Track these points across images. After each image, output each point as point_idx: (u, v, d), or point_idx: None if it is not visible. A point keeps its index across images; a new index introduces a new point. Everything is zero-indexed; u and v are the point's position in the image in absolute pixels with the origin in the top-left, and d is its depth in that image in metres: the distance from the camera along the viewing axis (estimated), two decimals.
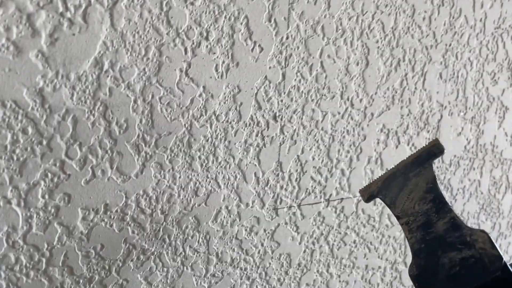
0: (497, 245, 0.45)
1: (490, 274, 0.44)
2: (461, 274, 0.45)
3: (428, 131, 0.78)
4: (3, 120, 0.46)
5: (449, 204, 0.48)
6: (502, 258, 0.44)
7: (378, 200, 0.68)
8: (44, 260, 0.52)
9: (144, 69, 0.52)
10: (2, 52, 0.45)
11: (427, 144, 0.53)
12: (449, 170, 0.83)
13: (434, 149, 0.51)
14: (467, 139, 0.82)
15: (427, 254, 0.48)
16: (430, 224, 0.49)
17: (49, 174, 0.50)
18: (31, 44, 0.46)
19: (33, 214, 0.50)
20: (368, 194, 0.53)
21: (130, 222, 0.55)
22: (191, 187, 0.58)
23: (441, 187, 0.81)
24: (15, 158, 0.48)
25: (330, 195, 0.70)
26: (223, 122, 0.58)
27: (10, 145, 0.47)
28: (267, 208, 0.65)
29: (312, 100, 0.64)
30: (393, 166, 0.54)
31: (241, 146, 0.60)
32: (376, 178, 0.56)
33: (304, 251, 0.71)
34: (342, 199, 0.72)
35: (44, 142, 0.49)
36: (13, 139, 0.47)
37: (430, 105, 0.77)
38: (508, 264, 0.43)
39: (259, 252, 0.66)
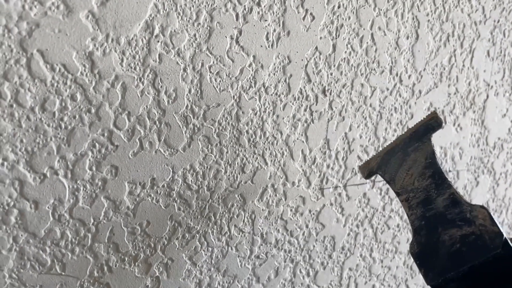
0: (497, 222, 0.43)
1: (490, 251, 0.42)
2: (462, 251, 0.44)
3: (474, 111, 0.75)
4: (52, 85, 0.43)
5: (449, 179, 0.47)
6: (502, 235, 0.42)
7: None
8: (90, 235, 0.49)
9: (194, 35, 0.49)
10: (52, 12, 0.42)
11: (425, 117, 0.51)
12: (493, 153, 0.80)
13: (432, 123, 0.50)
14: (511, 122, 0.79)
15: (428, 231, 0.47)
16: (430, 201, 0.48)
17: (97, 145, 0.47)
18: (82, 4, 0.43)
19: (80, 186, 0.47)
20: (368, 170, 0.51)
21: (176, 198, 0.53)
22: (238, 163, 0.56)
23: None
24: (63, 126, 0.45)
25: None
26: (272, 94, 0.55)
27: (58, 112, 0.44)
28: (313, 188, 0.62)
29: (362, 75, 0.61)
30: (392, 141, 0.52)
31: (289, 121, 0.58)
32: (374, 154, 0.54)
33: (348, 234, 0.68)
34: None
35: (93, 110, 0.46)
36: (61, 106, 0.44)
37: (477, 84, 0.73)
38: (508, 240, 0.42)
39: (303, 234, 0.63)
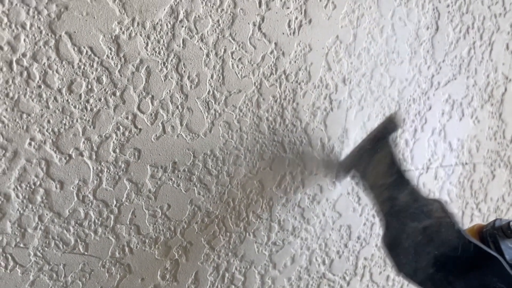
0: (451, 214, 0.45)
1: (447, 242, 0.44)
2: (424, 243, 0.46)
3: (492, 104, 0.75)
4: (79, 67, 0.44)
5: (408, 177, 0.51)
6: (455, 225, 0.44)
7: (440, 174, 0.66)
8: (112, 217, 0.50)
9: (218, 20, 0.49)
10: None
11: (384, 119, 0.55)
12: (509, 146, 0.80)
13: (388, 126, 0.54)
14: None
15: (394, 225, 0.50)
16: (394, 197, 0.51)
17: (121, 128, 0.48)
18: None
19: (103, 168, 0.48)
20: (346, 167, 0.57)
21: (196, 183, 0.53)
22: (257, 149, 0.56)
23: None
24: (88, 108, 0.46)
25: None
26: (292, 82, 0.56)
27: (84, 94, 0.45)
28: (330, 177, 0.63)
29: (381, 64, 0.61)
30: (359, 142, 0.57)
31: (308, 109, 0.58)
32: (347, 155, 0.59)
33: (364, 224, 0.68)
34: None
35: (118, 93, 0.47)
36: (87, 88, 0.45)
37: (495, 77, 0.73)
38: (462, 230, 0.44)
39: (320, 222, 0.64)
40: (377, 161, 0.54)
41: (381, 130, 0.56)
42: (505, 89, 0.76)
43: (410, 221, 0.48)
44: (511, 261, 0.42)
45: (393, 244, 0.50)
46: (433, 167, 0.71)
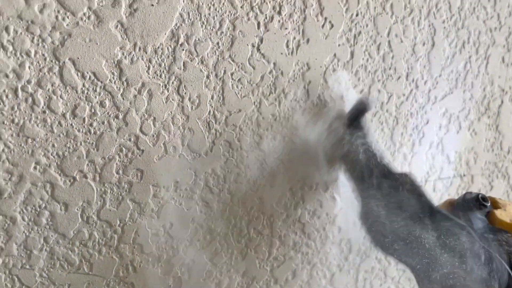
0: (420, 185, 0.47)
1: (419, 213, 0.46)
2: (396, 216, 0.48)
3: (489, 117, 0.76)
4: (82, 92, 0.45)
5: (380, 155, 0.53)
6: (423, 195, 0.46)
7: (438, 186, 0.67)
8: (116, 236, 0.51)
9: (217, 43, 0.50)
10: (84, 22, 0.44)
11: (355, 102, 0.58)
12: (507, 158, 0.81)
13: (359, 107, 0.56)
14: None
15: (369, 202, 0.52)
16: (367, 175, 0.53)
17: (124, 149, 0.49)
18: (111, 14, 0.45)
19: (107, 189, 0.49)
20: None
21: (198, 201, 0.54)
22: (257, 167, 0.57)
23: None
24: (92, 131, 0.47)
25: None
26: (291, 100, 0.57)
27: (88, 118, 0.46)
28: (330, 192, 0.63)
29: (379, 81, 0.62)
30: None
31: (307, 127, 0.59)
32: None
33: (364, 237, 0.69)
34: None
35: (120, 116, 0.48)
36: (91, 112, 0.46)
37: (492, 90, 0.74)
38: (430, 201, 0.46)
39: (320, 237, 0.65)
40: (351, 143, 0.56)
41: (353, 112, 0.57)
42: (502, 101, 0.77)
43: (382, 197, 0.50)
44: (479, 230, 0.43)
45: (368, 220, 0.52)
46: (432, 179, 0.72)
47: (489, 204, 0.46)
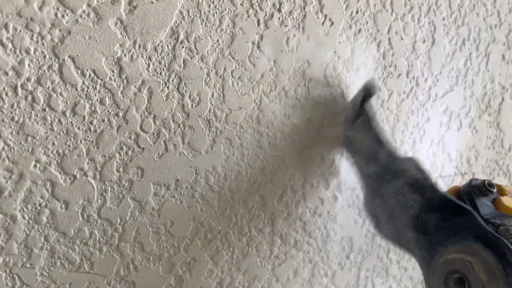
0: (424, 169, 0.47)
1: (423, 197, 0.46)
2: (402, 200, 0.48)
3: (490, 114, 0.75)
4: (82, 90, 0.45)
5: (385, 140, 0.52)
6: (429, 179, 0.46)
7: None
8: (116, 235, 0.51)
9: (217, 40, 0.50)
10: (83, 19, 0.44)
11: (360, 88, 0.57)
12: (508, 155, 0.81)
13: (364, 93, 0.55)
14: None
15: (373, 187, 0.52)
16: (373, 160, 0.52)
17: (124, 147, 0.49)
18: (111, 12, 0.45)
19: (107, 187, 0.49)
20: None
21: (199, 199, 0.54)
22: (258, 165, 0.57)
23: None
24: (92, 129, 0.47)
25: None
26: (291, 98, 0.57)
27: (88, 115, 0.46)
28: (331, 190, 0.63)
29: (379, 78, 0.62)
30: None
31: (308, 124, 0.59)
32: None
33: (366, 235, 0.69)
34: None
35: (120, 114, 0.48)
36: (91, 110, 0.46)
37: (492, 87, 0.74)
38: (435, 184, 0.45)
39: (322, 235, 0.65)
40: (356, 129, 0.56)
41: (357, 98, 0.57)
42: (502, 99, 0.76)
43: (387, 182, 0.50)
44: (485, 216, 0.43)
45: (372, 206, 0.52)
46: (433, 177, 0.72)
47: (495, 190, 0.45)
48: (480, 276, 0.38)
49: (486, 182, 0.46)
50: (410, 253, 0.48)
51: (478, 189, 0.46)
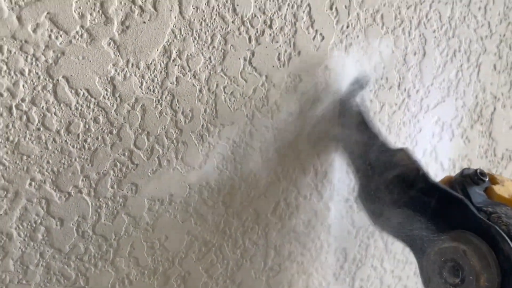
0: (416, 159, 0.47)
1: (415, 186, 0.46)
2: (394, 191, 0.48)
3: (482, 124, 0.76)
4: (76, 109, 0.46)
5: (377, 131, 0.53)
6: (420, 169, 0.46)
7: None
8: (111, 250, 0.51)
9: (209, 57, 0.51)
10: (76, 40, 0.44)
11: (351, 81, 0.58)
12: (501, 164, 0.81)
13: (355, 87, 0.56)
14: None
15: (366, 179, 0.52)
16: (365, 152, 0.53)
17: (118, 164, 0.49)
18: (104, 32, 0.46)
19: (102, 204, 0.49)
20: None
21: (193, 214, 0.55)
22: (251, 178, 0.58)
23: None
24: (86, 147, 0.47)
25: None
26: (284, 113, 0.57)
27: (82, 134, 0.47)
28: (324, 201, 0.64)
29: (371, 91, 0.63)
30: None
31: (300, 138, 0.59)
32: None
33: (359, 245, 0.69)
34: None
35: (114, 132, 0.48)
36: (85, 128, 0.47)
37: (484, 97, 0.75)
38: (426, 173, 0.46)
39: (315, 246, 0.65)
40: (348, 122, 0.57)
41: (348, 92, 0.58)
42: (494, 108, 0.77)
43: (379, 173, 0.50)
44: (478, 204, 0.44)
45: (365, 197, 0.52)
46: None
47: (487, 179, 0.46)
48: (474, 264, 0.39)
49: (478, 171, 0.46)
50: (405, 243, 0.48)
51: (470, 178, 0.46)
